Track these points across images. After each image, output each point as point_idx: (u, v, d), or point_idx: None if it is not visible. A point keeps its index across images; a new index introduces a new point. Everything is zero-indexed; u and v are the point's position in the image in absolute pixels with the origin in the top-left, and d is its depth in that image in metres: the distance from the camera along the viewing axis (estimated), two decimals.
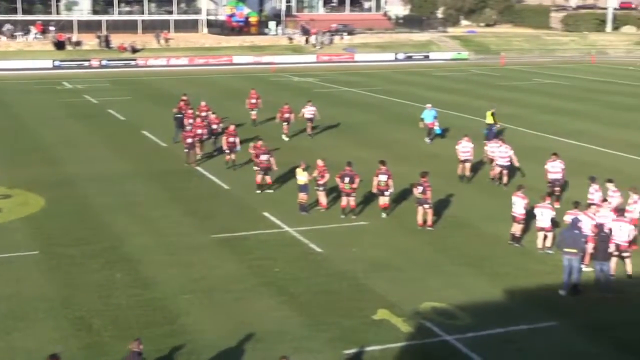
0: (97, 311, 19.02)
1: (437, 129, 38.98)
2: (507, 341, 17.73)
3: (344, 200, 26.66)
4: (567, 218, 21.73)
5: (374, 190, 26.67)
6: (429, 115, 38.99)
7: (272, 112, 44.71)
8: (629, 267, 21.10)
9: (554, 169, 27.83)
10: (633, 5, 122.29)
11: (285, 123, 39.55)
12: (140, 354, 14.16)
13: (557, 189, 27.82)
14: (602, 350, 17.37)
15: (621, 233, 21.04)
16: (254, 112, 43.31)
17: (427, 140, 38.95)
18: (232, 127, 33.54)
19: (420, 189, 25.11)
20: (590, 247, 21.02)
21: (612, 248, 20.80)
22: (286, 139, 39.17)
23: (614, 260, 21.12)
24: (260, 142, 30.01)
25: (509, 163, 30.43)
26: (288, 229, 25.53)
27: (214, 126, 36.20)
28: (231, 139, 32.82)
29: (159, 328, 18.06)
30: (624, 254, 21.10)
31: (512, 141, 33.16)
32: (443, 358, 17.08)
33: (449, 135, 39.64)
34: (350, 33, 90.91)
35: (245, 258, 22.87)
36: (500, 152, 30.50)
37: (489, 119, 38.13)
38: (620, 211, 21.98)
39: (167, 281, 21.02)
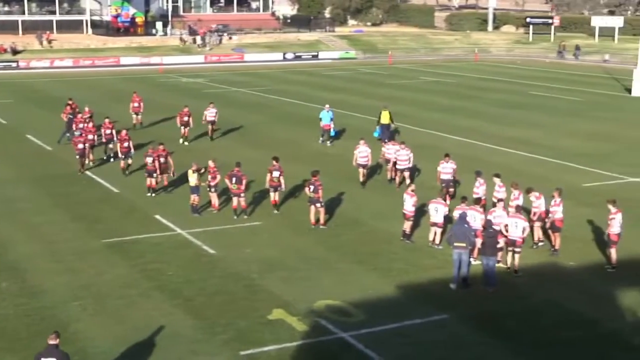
0: None
1: (332, 130, 39.08)
2: (401, 335, 18.01)
3: (234, 201, 26.56)
4: (456, 213, 22.26)
5: (267, 185, 26.71)
6: (326, 117, 38.92)
7: (160, 114, 44.17)
8: (517, 262, 21.71)
9: (445, 169, 28.23)
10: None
11: (184, 127, 38.65)
12: (57, 346, 13.92)
13: (451, 189, 28.29)
14: (487, 340, 17.88)
15: (516, 230, 21.63)
16: (138, 116, 42.40)
17: (325, 142, 38.75)
18: (124, 132, 32.79)
19: (312, 187, 25.22)
20: (479, 241, 21.53)
21: (501, 243, 21.41)
22: (185, 143, 38.29)
23: (509, 254, 21.77)
24: (161, 146, 29.55)
25: (409, 165, 30.47)
26: (180, 231, 25.24)
27: (107, 131, 35.18)
28: (125, 144, 32.12)
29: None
30: (516, 250, 21.70)
31: (403, 139, 33.51)
32: (338, 355, 17.21)
33: (343, 137, 39.92)
34: (232, 33, 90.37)
35: (137, 262, 22.47)
36: (399, 155, 30.27)
37: (385, 119, 38.31)
38: (518, 207, 22.57)
39: (56, 289, 20.44)
